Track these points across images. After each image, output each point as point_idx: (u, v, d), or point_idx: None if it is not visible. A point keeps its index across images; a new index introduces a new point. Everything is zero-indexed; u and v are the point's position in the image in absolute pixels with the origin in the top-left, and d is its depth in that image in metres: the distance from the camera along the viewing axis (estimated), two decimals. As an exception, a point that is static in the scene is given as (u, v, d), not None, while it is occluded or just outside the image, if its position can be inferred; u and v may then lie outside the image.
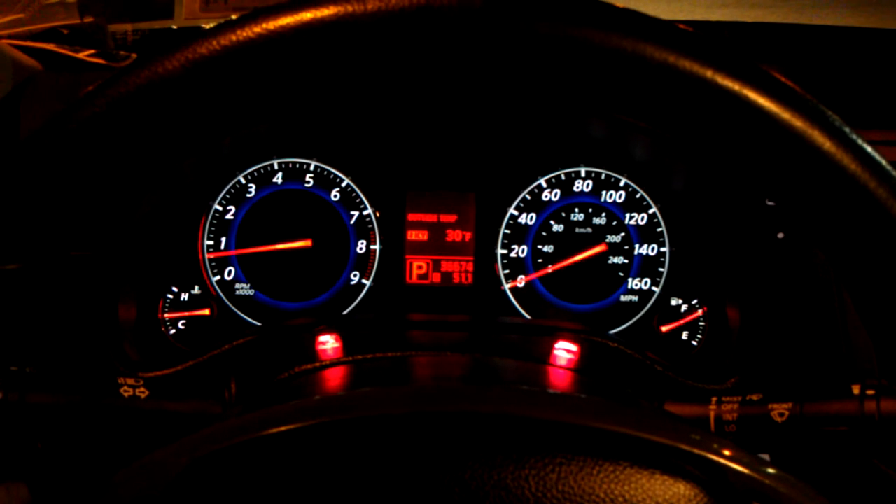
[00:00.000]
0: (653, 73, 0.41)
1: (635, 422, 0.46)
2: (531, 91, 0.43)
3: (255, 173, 1.02)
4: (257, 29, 0.41)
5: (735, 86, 0.42)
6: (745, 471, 0.44)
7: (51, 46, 1.07)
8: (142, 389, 0.70)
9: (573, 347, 0.76)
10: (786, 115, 0.42)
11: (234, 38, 0.42)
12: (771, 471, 0.45)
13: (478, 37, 0.41)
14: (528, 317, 1.03)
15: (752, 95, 0.41)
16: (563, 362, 0.75)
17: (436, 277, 1.03)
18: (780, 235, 0.88)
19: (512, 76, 0.43)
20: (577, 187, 1.03)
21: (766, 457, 0.76)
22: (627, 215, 1.02)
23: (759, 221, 0.90)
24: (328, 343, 0.79)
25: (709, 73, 0.41)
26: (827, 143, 0.42)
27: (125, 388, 0.70)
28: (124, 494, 0.44)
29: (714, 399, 0.75)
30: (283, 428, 0.44)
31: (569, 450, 0.46)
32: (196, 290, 1.02)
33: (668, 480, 0.45)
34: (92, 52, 1.11)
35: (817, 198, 0.43)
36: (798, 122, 0.42)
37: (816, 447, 0.66)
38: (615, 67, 0.41)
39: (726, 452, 0.45)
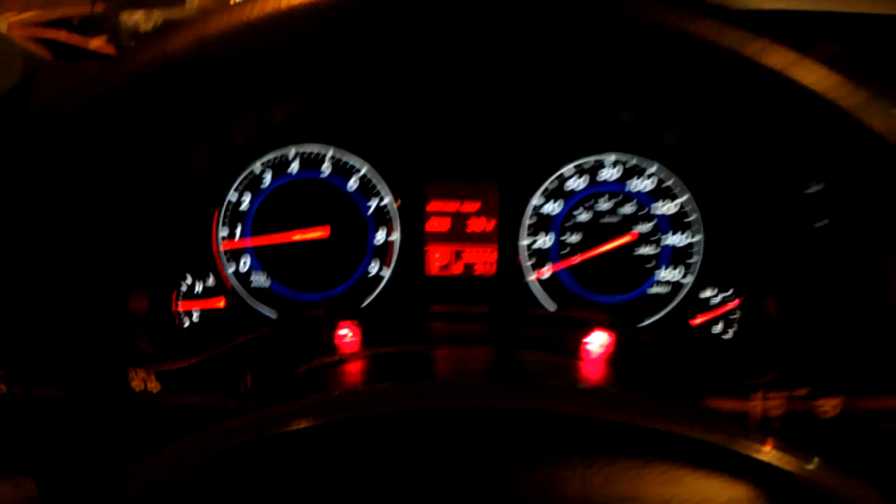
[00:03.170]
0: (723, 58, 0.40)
1: (688, 421, 0.42)
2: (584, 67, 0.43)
3: (271, 162, 0.98)
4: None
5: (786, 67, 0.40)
6: (808, 474, 0.41)
7: (61, 36, 1.05)
8: (154, 383, 0.67)
9: (606, 340, 0.72)
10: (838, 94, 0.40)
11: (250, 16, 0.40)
12: (833, 473, 0.42)
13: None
14: (552, 309, 0.99)
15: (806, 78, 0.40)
16: (594, 356, 0.71)
17: (457, 268, 1.00)
18: (824, 222, 0.83)
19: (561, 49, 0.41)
20: (604, 175, 0.99)
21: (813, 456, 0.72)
22: (657, 204, 0.98)
23: (800, 206, 0.85)
24: (347, 336, 0.76)
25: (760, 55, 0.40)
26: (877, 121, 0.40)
27: (137, 381, 0.67)
28: (132, 492, 0.42)
29: (758, 394, 0.71)
30: (301, 425, 0.41)
31: (615, 450, 0.42)
32: (210, 282, 0.99)
33: (723, 483, 0.41)
34: (102, 41, 1.08)
35: (870, 174, 0.41)
36: (851, 102, 0.40)
37: (869, 444, 0.63)
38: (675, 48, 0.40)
39: (784, 454, 0.41)
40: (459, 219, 0.99)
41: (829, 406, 0.68)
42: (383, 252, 0.99)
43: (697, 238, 0.98)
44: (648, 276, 0.98)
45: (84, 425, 0.65)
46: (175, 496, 0.39)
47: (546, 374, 0.61)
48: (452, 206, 0.99)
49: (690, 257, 0.98)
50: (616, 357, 0.73)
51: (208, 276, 0.99)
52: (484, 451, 0.40)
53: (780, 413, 0.70)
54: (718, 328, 0.98)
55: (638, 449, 0.41)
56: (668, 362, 0.76)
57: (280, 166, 0.98)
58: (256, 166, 0.98)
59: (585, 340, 0.72)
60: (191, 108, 0.44)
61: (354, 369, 0.66)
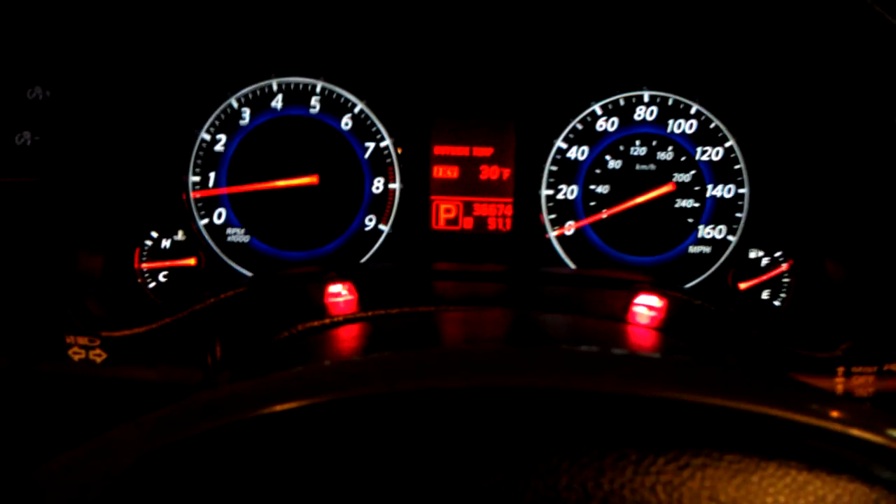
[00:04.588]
0: None
1: (809, 406, 0.30)
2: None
3: (250, 96, 0.85)
4: None
5: None
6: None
7: None
8: (97, 352, 0.54)
9: (657, 303, 0.59)
10: None
11: None
12: None
13: None
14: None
15: None
16: (644, 321, 0.58)
17: (467, 223, 0.86)
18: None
19: None
20: (639, 115, 0.85)
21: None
22: (699, 149, 0.85)
23: (878, 150, 0.72)
24: (339, 296, 0.63)
25: None
26: None
27: (75, 349, 0.54)
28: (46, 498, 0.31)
29: (840, 370, 0.59)
30: (278, 407, 0.31)
31: (716, 444, 0.31)
32: (180, 236, 0.85)
33: (858, 489, 0.31)
34: None
35: None
36: None
37: None
38: None
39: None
40: (470, 165, 0.86)
41: (934, 384, 0.56)
42: (381, 203, 0.86)
43: (744, 190, 0.85)
44: (688, 234, 0.85)
45: (9, 404, 0.52)
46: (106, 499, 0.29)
47: (594, 341, 0.48)
48: (462, 150, 0.86)
49: (736, 212, 0.85)
50: (667, 324, 0.60)
51: (178, 231, 0.85)
52: (515, 446, 0.29)
53: (870, 392, 0.57)
54: (766, 294, 0.85)
55: (746, 445, 0.31)
56: (727, 331, 0.64)
57: (261, 101, 0.85)
58: (233, 101, 0.84)
59: (635, 302, 0.59)
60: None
61: (347, 335, 0.53)
